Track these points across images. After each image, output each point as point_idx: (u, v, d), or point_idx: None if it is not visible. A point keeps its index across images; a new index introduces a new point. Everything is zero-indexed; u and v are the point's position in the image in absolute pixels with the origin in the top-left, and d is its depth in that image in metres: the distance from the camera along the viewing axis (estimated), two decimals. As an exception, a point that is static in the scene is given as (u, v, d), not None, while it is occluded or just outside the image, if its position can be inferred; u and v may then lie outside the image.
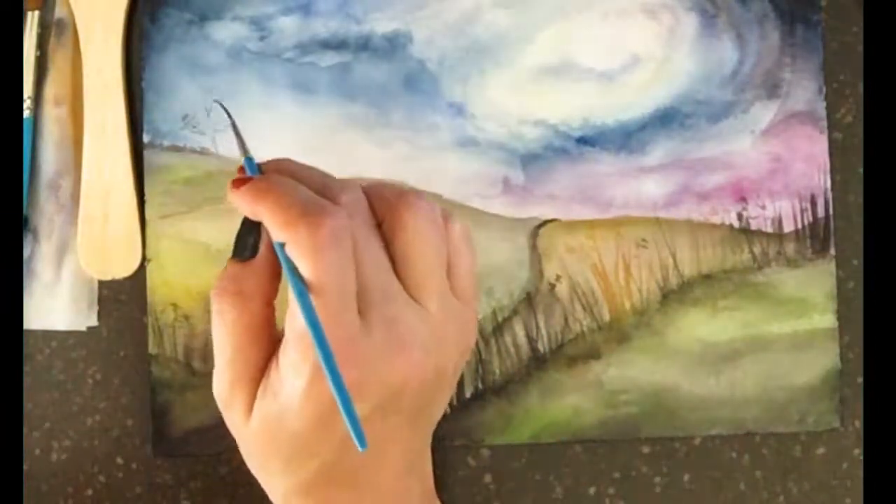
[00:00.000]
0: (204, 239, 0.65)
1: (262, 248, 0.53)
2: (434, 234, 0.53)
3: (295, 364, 0.51)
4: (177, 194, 0.66)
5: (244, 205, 0.53)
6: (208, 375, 0.64)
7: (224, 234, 0.65)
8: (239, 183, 0.53)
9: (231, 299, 0.53)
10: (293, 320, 0.51)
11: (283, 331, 0.54)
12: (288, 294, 0.51)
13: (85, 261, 0.65)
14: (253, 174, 0.54)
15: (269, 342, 0.54)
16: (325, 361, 0.49)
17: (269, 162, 0.55)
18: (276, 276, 0.53)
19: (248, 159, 0.55)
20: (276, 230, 0.51)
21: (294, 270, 0.50)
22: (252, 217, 0.53)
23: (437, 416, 0.57)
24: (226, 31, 0.66)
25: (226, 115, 0.56)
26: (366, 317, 0.51)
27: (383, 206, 0.53)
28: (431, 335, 0.53)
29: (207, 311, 0.65)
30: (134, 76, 0.67)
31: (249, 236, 0.53)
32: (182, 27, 0.66)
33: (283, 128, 0.66)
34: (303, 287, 0.50)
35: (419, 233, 0.53)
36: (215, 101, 0.64)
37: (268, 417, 0.53)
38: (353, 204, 0.52)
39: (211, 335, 0.65)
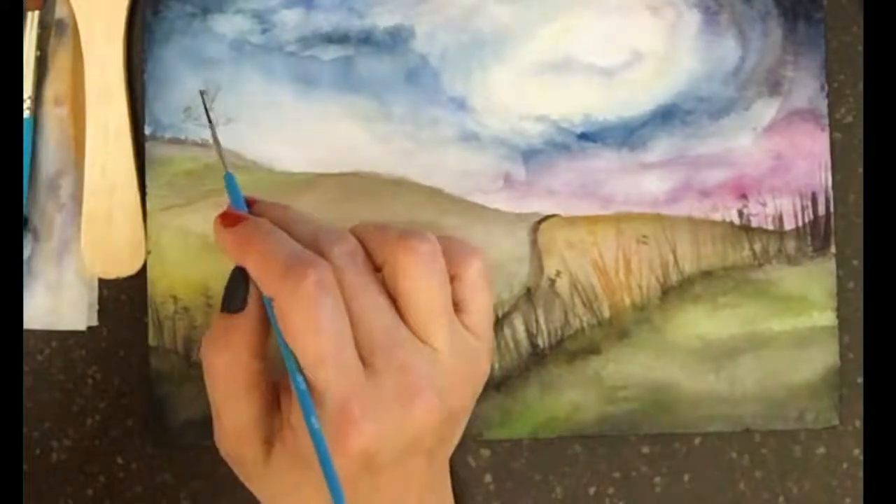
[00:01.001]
0: (204, 231, 0.65)
1: (251, 299, 0.53)
2: (436, 273, 0.53)
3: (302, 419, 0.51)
4: (178, 187, 0.66)
5: (229, 252, 0.52)
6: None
7: (225, 228, 0.65)
8: (228, 220, 0.52)
9: (222, 353, 0.52)
10: None
11: (280, 379, 0.54)
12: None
13: (88, 260, 0.65)
14: (238, 207, 0.53)
15: (265, 392, 0.53)
16: (313, 435, 0.49)
17: (263, 204, 0.54)
18: (266, 328, 0.53)
19: (230, 178, 0.54)
20: (262, 285, 0.51)
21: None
22: (239, 264, 0.52)
23: (455, 443, 0.57)
24: (228, 24, 0.66)
25: (206, 118, 0.56)
26: (373, 365, 0.50)
27: (383, 250, 0.53)
28: (442, 375, 0.52)
29: (207, 304, 0.65)
30: (135, 69, 0.67)
31: (239, 287, 0.53)
32: (184, 20, 0.66)
33: (284, 121, 0.66)
34: (289, 350, 0.50)
35: (421, 275, 0.52)
36: (200, 91, 0.64)
37: (287, 469, 0.52)
38: (346, 255, 0.52)
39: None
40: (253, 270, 0.51)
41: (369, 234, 0.54)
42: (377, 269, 0.53)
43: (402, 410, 0.51)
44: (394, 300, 0.53)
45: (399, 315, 0.53)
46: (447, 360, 0.53)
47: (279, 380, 0.54)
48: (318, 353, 0.49)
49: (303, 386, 0.50)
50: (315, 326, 0.49)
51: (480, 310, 0.55)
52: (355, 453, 0.50)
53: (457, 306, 0.55)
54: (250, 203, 0.54)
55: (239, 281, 0.53)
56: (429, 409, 0.51)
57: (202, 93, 0.62)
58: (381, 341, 0.51)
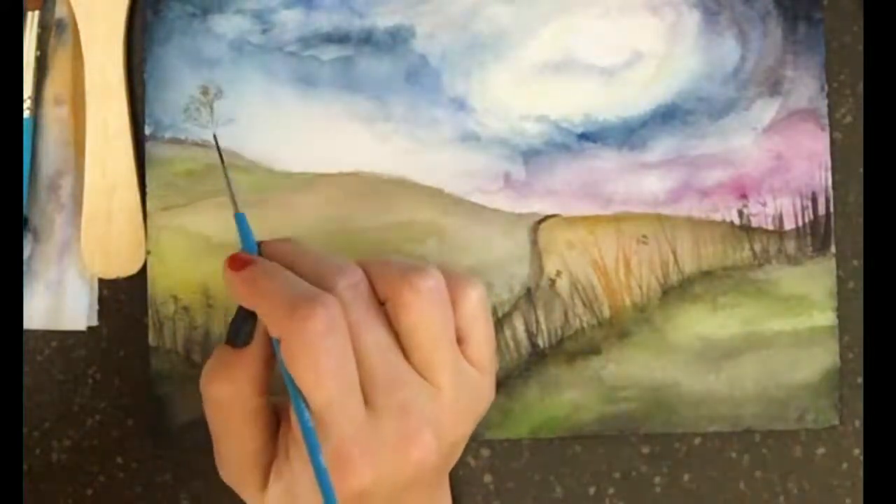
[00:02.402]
0: (205, 231, 0.65)
1: (257, 336, 0.52)
2: (440, 310, 0.52)
3: (303, 457, 0.50)
4: (178, 187, 0.66)
5: (236, 296, 0.52)
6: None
7: (225, 227, 0.65)
8: (236, 264, 0.52)
9: (223, 386, 0.52)
10: (295, 414, 0.51)
11: (281, 410, 0.54)
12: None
13: (88, 260, 0.65)
14: (249, 248, 0.53)
15: (266, 425, 0.53)
16: (318, 473, 0.49)
17: (268, 243, 0.54)
18: (270, 363, 0.52)
19: (241, 219, 0.54)
20: (270, 327, 0.50)
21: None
22: (248, 307, 0.52)
23: (453, 464, 0.57)
24: (228, 24, 0.66)
25: (220, 161, 0.56)
26: (374, 403, 0.50)
27: (386, 286, 0.52)
28: (444, 414, 0.52)
29: (208, 304, 0.65)
30: (135, 69, 0.67)
31: (245, 323, 0.52)
32: (184, 20, 0.66)
33: (284, 121, 0.66)
34: (297, 389, 0.50)
35: (424, 313, 0.51)
36: (214, 135, 0.64)
37: (284, 497, 0.52)
38: (352, 288, 0.51)
39: (211, 329, 0.65)
40: (261, 312, 0.51)
41: (373, 268, 0.53)
42: (381, 303, 0.53)
43: (400, 452, 0.50)
44: (396, 335, 0.52)
45: (402, 351, 0.52)
46: (449, 397, 0.52)
47: (280, 413, 0.54)
48: (324, 395, 0.49)
49: (310, 424, 0.50)
50: (323, 369, 0.49)
51: (481, 341, 0.54)
52: (352, 494, 0.50)
53: (457, 338, 0.54)
54: (259, 244, 0.54)
55: (245, 316, 0.52)
56: (427, 452, 0.51)
57: (215, 137, 0.61)
58: (384, 380, 0.51)
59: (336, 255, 0.53)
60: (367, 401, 0.50)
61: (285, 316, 0.49)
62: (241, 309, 0.52)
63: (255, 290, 0.51)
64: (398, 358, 0.52)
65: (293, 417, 0.50)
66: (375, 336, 0.51)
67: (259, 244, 0.53)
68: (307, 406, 0.50)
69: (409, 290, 0.51)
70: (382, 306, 0.52)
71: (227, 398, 0.52)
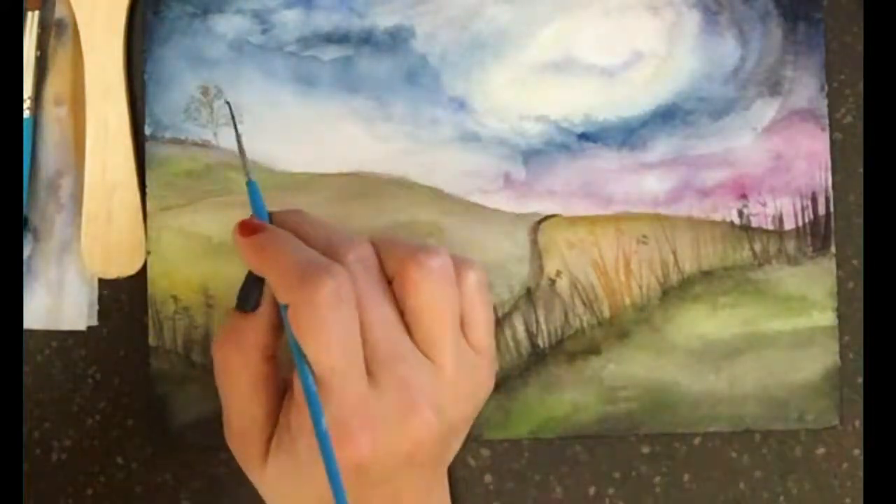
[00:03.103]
0: (205, 231, 0.65)
1: (265, 301, 0.53)
2: (446, 290, 0.53)
3: (305, 426, 0.51)
4: (178, 187, 0.66)
5: (246, 261, 0.52)
6: (208, 368, 0.65)
7: (225, 227, 0.65)
8: (245, 230, 0.52)
9: (232, 351, 0.53)
10: (298, 381, 0.51)
11: (287, 380, 0.54)
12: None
13: (88, 260, 0.65)
14: (260, 215, 0.53)
15: (273, 393, 0.53)
16: (321, 439, 0.49)
17: (279, 213, 0.54)
18: (278, 330, 0.53)
19: (253, 186, 0.54)
20: (278, 293, 0.51)
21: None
22: (256, 272, 0.52)
23: (454, 453, 0.57)
24: (228, 24, 0.66)
25: (233, 125, 0.56)
26: (376, 377, 0.51)
27: (394, 263, 0.53)
28: (444, 393, 0.52)
29: (208, 304, 0.65)
30: (135, 69, 0.67)
31: (254, 289, 0.53)
32: (184, 20, 0.66)
33: (284, 121, 0.66)
34: (303, 354, 0.50)
35: (430, 292, 0.52)
36: (226, 101, 0.64)
37: (283, 472, 0.52)
38: (361, 261, 0.52)
39: (211, 329, 0.65)
40: (270, 278, 0.51)
41: (382, 244, 0.54)
42: (388, 280, 0.53)
43: (399, 426, 0.51)
44: (401, 313, 0.53)
45: (406, 328, 0.53)
46: (450, 376, 0.53)
47: (287, 386, 0.54)
48: (329, 363, 0.50)
49: (313, 389, 0.50)
50: (329, 337, 0.49)
51: (480, 323, 0.55)
52: (350, 465, 0.50)
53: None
54: (270, 214, 0.54)
55: (254, 282, 0.53)
56: (426, 427, 0.51)
57: (228, 104, 0.61)
58: (387, 354, 0.51)
59: (345, 229, 0.53)
60: (369, 374, 0.51)
61: (295, 283, 0.50)
62: (250, 274, 0.53)
63: (266, 256, 0.51)
64: (402, 334, 0.52)
65: (297, 385, 0.51)
66: (381, 311, 0.51)
67: (270, 214, 0.54)
68: (312, 373, 0.50)
69: (417, 268, 0.52)
70: (389, 283, 0.53)
71: (235, 363, 0.53)
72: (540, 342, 0.66)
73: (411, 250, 0.53)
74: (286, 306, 0.50)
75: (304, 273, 0.50)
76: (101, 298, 0.66)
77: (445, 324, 0.53)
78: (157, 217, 0.65)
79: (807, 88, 0.66)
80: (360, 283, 0.51)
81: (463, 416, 0.54)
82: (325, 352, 0.49)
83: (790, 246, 0.66)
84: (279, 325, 0.53)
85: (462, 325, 0.54)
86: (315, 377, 0.50)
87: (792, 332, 0.66)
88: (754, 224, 0.66)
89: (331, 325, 0.49)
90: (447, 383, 0.53)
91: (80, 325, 0.66)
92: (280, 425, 0.53)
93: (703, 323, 0.66)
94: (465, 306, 0.54)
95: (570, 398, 0.66)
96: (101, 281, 0.66)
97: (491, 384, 0.57)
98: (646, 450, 0.67)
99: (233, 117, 0.57)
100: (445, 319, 0.53)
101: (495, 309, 0.65)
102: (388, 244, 0.54)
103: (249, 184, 0.55)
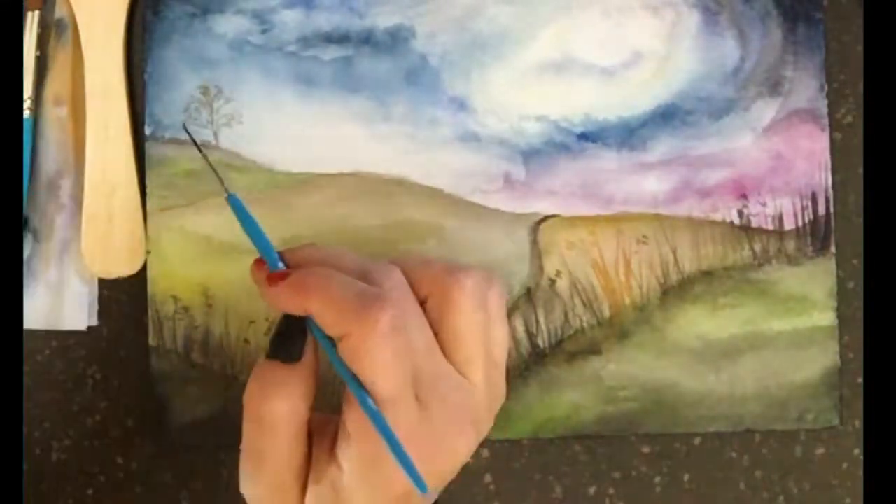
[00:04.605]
0: (205, 231, 0.65)
1: (308, 349, 0.52)
2: (482, 310, 0.53)
3: (357, 456, 0.50)
4: (178, 187, 0.66)
5: (284, 305, 0.51)
6: (208, 368, 0.64)
7: (225, 228, 0.65)
8: (274, 279, 0.52)
9: (279, 405, 0.51)
10: (352, 413, 0.50)
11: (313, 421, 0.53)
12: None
13: (88, 260, 0.65)
14: (271, 262, 0.52)
15: (307, 438, 0.53)
16: (403, 463, 0.49)
17: (295, 250, 0.53)
18: (317, 377, 0.52)
19: (234, 200, 0.53)
20: (331, 327, 0.50)
21: (347, 367, 0.50)
22: (298, 312, 0.51)
23: None
24: (228, 24, 0.66)
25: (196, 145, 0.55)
26: (423, 401, 0.50)
27: (429, 284, 0.52)
28: (478, 408, 0.52)
29: (207, 304, 0.65)
30: (135, 69, 0.67)
31: (297, 338, 0.52)
32: (184, 20, 0.66)
33: (284, 121, 0.66)
34: (359, 385, 0.50)
35: (470, 312, 0.52)
36: (184, 125, 0.63)
37: (332, 500, 0.52)
38: (397, 287, 0.51)
39: (211, 329, 0.65)
40: (321, 314, 0.50)
41: (413, 266, 0.53)
42: (420, 302, 0.53)
43: (446, 449, 0.51)
44: (435, 333, 0.52)
45: (441, 348, 0.53)
46: (482, 392, 0.53)
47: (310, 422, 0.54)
48: (387, 393, 0.49)
49: (381, 415, 0.49)
50: (389, 367, 0.49)
51: (501, 338, 0.55)
52: (402, 492, 0.50)
53: None
54: (281, 254, 0.53)
55: (295, 330, 0.52)
56: (468, 448, 0.52)
57: (185, 128, 0.60)
58: (431, 378, 0.51)
59: (371, 258, 0.53)
60: (416, 398, 0.50)
61: (351, 315, 0.49)
62: (285, 324, 0.52)
63: (311, 293, 0.50)
64: (441, 356, 0.52)
65: (350, 419, 0.50)
66: (421, 334, 0.51)
67: (281, 254, 0.53)
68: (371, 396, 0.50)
69: (458, 288, 0.52)
70: (422, 305, 0.52)
71: (282, 416, 0.51)
72: (540, 342, 0.66)
73: (447, 270, 0.53)
74: (331, 341, 0.50)
75: (361, 304, 0.49)
76: (101, 298, 0.66)
77: (479, 342, 0.53)
78: (157, 217, 0.65)
79: (807, 88, 0.66)
80: (400, 309, 0.51)
81: (488, 428, 0.54)
82: (383, 381, 0.49)
83: (790, 246, 0.66)
84: (318, 369, 0.52)
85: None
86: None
87: (792, 332, 0.66)
88: (754, 224, 0.66)
89: (391, 355, 0.49)
90: (480, 399, 0.53)
91: (80, 325, 0.66)
92: (317, 460, 0.52)
93: (703, 323, 0.66)
94: (490, 322, 0.54)
95: (570, 398, 0.66)
96: (101, 281, 0.66)
97: (504, 396, 0.56)
98: (646, 450, 0.67)
99: (193, 140, 0.56)
100: (482, 338, 0.53)
101: (495, 309, 0.65)
102: (416, 266, 0.53)
103: (230, 197, 0.53)
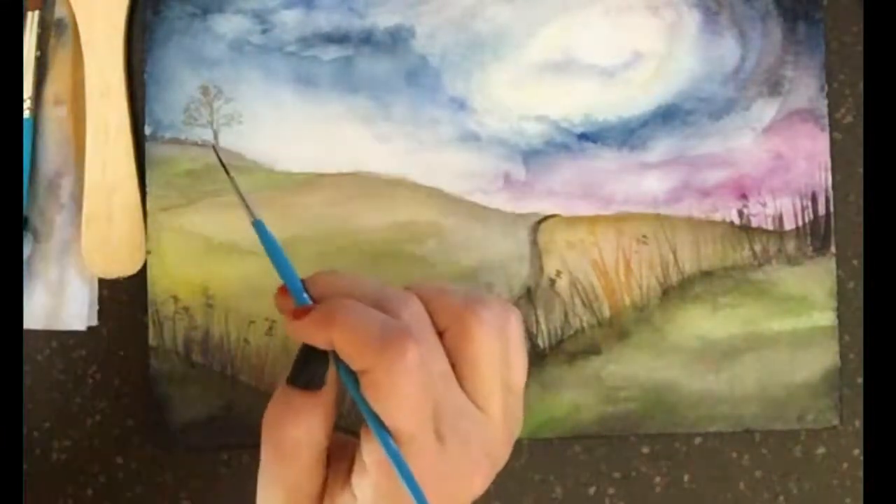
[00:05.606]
0: (205, 232, 0.65)
1: (329, 377, 0.51)
2: (501, 342, 0.52)
3: (372, 489, 0.50)
4: (178, 187, 0.66)
5: (309, 337, 0.51)
6: (208, 368, 0.64)
7: (225, 228, 0.65)
8: (300, 314, 0.51)
9: (299, 432, 0.51)
10: (368, 444, 0.50)
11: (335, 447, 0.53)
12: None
13: (88, 260, 0.65)
14: (296, 293, 0.51)
15: (325, 465, 0.53)
16: (418, 501, 0.49)
17: (317, 279, 0.53)
18: (338, 406, 0.52)
19: (260, 226, 0.53)
20: (355, 361, 0.49)
21: (368, 405, 0.49)
22: (322, 346, 0.51)
23: None
24: (228, 24, 0.66)
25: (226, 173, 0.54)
26: (441, 435, 0.50)
27: (448, 317, 0.52)
28: (495, 441, 0.52)
29: (207, 304, 0.65)
30: (135, 69, 0.67)
31: (319, 366, 0.51)
32: (184, 20, 0.66)
33: (284, 121, 0.66)
34: (380, 424, 0.49)
35: (489, 344, 0.51)
36: (214, 147, 0.63)
37: None
38: (415, 318, 0.51)
39: (211, 329, 0.65)
40: (345, 348, 0.50)
41: (429, 296, 0.52)
42: (438, 332, 0.52)
43: (463, 484, 0.51)
44: (452, 364, 0.52)
45: (458, 380, 0.52)
46: (499, 425, 0.52)
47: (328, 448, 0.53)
48: (409, 429, 0.49)
49: (399, 455, 0.49)
50: (411, 402, 0.49)
51: (519, 366, 0.54)
52: None
53: None
54: (303, 282, 0.53)
55: (317, 358, 0.51)
56: (485, 480, 0.52)
57: (215, 149, 0.60)
58: (450, 412, 0.50)
59: (390, 285, 0.52)
60: (434, 432, 0.50)
61: (375, 350, 0.48)
62: (307, 351, 0.52)
63: (336, 327, 0.49)
64: (458, 388, 0.51)
65: (367, 452, 0.50)
66: (441, 367, 0.51)
67: (303, 281, 0.52)
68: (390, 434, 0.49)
69: (476, 321, 0.51)
70: (440, 336, 0.52)
71: (302, 443, 0.51)
72: (540, 342, 0.66)
73: (465, 303, 0.52)
74: (353, 377, 0.50)
75: (385, 339, 0.49)
76: (101, 298, 0.66)
77: (498, 375, 0.52)
78: (157, 217, 0.65)
79: (807, 88, 0.66)
80: (422, 342, 0.50)
81: (505, 457, 0.54)
82: (405, 417, 0.49)
83: (790, 246, 0.66)
84: (339, 398, 0.52)
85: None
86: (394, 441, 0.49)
87: (792, 332, 0.66)
88: (754, 224, 0.66)
89: (414, 390, 0.49)
90: (498, 433, 0.52)
91: (80, 325, 0.66)
92: (332, 487, 0.52)
93: (703, 323, 0.66)
94: (508, 352, 0.53)
95: (570, 398, 0.66)
96: (101, 281, 0.66)
97: (521, 423, 0.56)
98: (646, 450, 0.67)
99: (222, 164, 0.55)
100: (498, 371, 0.52)
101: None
102: (435, 295, 0.52)
103: (256, 223, 0.53)
